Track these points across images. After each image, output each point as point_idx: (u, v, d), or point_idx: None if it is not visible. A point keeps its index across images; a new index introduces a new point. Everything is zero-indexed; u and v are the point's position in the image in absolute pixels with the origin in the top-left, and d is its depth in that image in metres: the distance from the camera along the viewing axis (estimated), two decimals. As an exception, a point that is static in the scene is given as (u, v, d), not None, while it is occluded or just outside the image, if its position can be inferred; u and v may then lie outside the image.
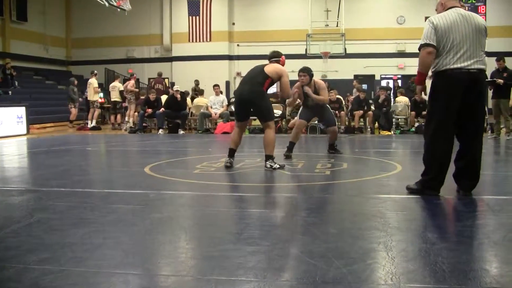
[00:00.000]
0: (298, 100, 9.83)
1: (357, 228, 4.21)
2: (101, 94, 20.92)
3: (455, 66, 5.16)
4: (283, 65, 8.15)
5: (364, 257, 3.36)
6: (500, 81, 12.70)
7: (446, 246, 3.57)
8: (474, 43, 5.21)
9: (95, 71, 20.18)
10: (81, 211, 4.88)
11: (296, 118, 9.96)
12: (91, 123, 19.33)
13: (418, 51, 5.31)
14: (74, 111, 19.79)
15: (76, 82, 20.13)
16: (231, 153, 8.09)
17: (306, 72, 9.21)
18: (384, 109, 16.59)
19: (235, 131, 8.23)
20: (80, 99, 19.95)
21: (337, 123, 9.98)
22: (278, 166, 7.66)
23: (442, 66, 5.22)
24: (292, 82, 8.44)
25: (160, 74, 22.82)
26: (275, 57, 8.25)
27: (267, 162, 7.73)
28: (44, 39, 27.29)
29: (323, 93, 9.27)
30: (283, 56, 8.27)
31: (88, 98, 19.54)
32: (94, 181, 7.25)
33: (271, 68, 7.92)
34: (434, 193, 5.34)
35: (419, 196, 5.35)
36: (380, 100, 16.75)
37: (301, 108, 9.85)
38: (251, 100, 7.84)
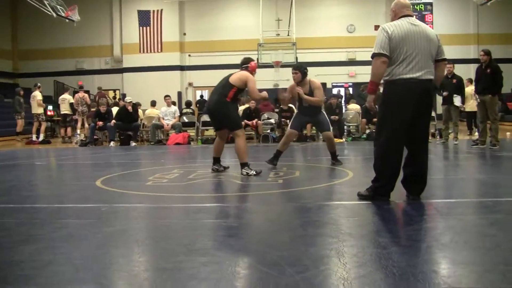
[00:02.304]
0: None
1: (309, 236, 4.24)
2: (50, 107, 20.59)
3: (408, 76, 5.25)
4: (252, 70, 8.37)
5: (316, 263, 3.39)
6: (445, 93, 13.09)
7: (396, 250, 3.63)
8: (426, 53, 5.32)
9: (39, 84, 19.83)
10: (30, 227, 4.78)
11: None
12: (35, 137, 18.97)
13: (368, 59, 5.35)
14: (20, 122, 19.45)
15: (22, 92, 19.77)
16: (215, 160, 8.49)
17: (297, 69, 9.02)
18: (336, 116, 16.76)
19: (216, 140, 8.62)
20: (23, 113, 19.56)
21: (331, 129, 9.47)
22: (254, 172, 7.89)
23: (396, 75, 5.30)
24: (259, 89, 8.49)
25: (100, 88, 22.62)
26: (244, 63, 8.46)
27: (242, 170, 7.97)
28: (-11, 52, 26.79)
29: (318, 93, 8.95)
30: (253, 62, 8.48)
31: (33, 112, 19.13)
32: (44, 196, 7.12)
33: (235, 77, 8.15)
34: (385, 199, 5.43)
35: (370, 202, 5.42)
36: (334, 106, 16.89)
37: (294, 115, 9.74)
38: (216, 111, 8.18)
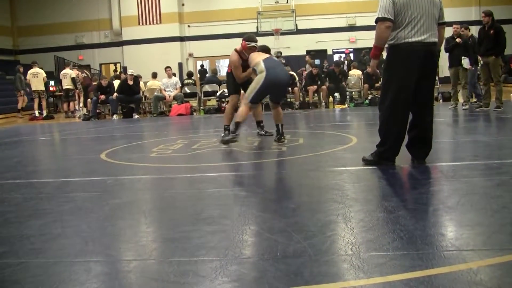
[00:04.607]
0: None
1: (316, 202, 4.26)
2: (52, 82, 20.52)
3: (413, 39, 5.22)
4: (243, 48, 8.42)
5: (323, 229, 3.40)
6: (459, 40, 12.60)
7: (403, 214, 3.64)
8: (430, 16, 5.28)
9: (37, 61, 19.75)
10: (37, 202, 4.81)
11: None
12: (38, 113, 18.89)
13: (369, 24, 5.32)
14: (21, 99, 19.44)
15: (22, 69, 19.69)
16: (257, 124, 8.97)
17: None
18: (342, 83, 16.76)
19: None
20: (27, 89, 19.52)
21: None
22: (227, 138, 7.79)
23: (400, 39, 5.26)
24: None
25: (81, 66, 22.69)
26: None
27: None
28: (-11, 29, 26.63)
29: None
30: (244, 41, 8.46)
31: (36, 88, 19.00)
32: (49, 171, 7.13)
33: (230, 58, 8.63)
34: (390, 163, 5.43)
35: (375, 167, 5.43)
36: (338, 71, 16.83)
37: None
38: None
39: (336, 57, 26.14)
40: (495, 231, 3.20)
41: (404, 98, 5.32)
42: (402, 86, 5.30)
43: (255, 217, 3.87)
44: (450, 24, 13.09)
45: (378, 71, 5.73)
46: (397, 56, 5.33)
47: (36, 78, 18.96)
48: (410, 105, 5.39)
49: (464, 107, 12.76)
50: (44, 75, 19.20)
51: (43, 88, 19.06)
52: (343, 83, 16.98)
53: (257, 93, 7.68)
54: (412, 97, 5.35)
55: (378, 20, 5.26)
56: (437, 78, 14.05)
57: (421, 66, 5.27)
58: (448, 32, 13.43)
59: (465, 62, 12.59)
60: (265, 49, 8.35)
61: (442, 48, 12.84)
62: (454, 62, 12.89)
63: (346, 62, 22.70)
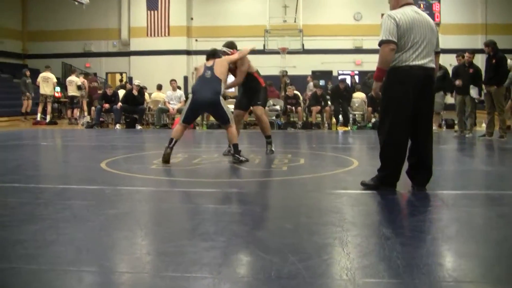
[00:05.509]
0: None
1: (313, 224, 4.22)
2: (58, 88, 20.61)
3: (414, 63, 5.22)
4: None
5: (319, 252, 3.37)
6: (458, 82, 12.60)
7: (400, 241, 3.60)
8: (430, 42, 5.31)
9: (50, 66, 19.90)
10: (34, 207, 4.78)
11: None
12: (40, 116, 18.95)
13: (375, 48, 5.30)
14: (26, 103, 19.54)
15: (28, 73, 19.81)
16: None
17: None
18: (345, 104, 16.73)
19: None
20: (28, 93, 19.61)
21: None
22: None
23: (401, 62, 5.26)
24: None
25: (94, 74, 22.74)
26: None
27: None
28: (-1, 32, 26.72)
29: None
30: None
31: (45, 93, 19.07)
32: (48, 177, 7.12)
33: None
34: (390, 189, 5.40)
35: (374, 191, 5.39)
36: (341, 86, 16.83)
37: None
38: None
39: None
40: (494, 264, 3.16)
41: (403, 122, 5.31)
42: (401, 109, 5.28)
43: (251, 235, 3.83)
44: (453, 51, 13.19)
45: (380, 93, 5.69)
46: (397, 79, 5.31)
47: (46, 82, 19.12)
48: (409, 130, 5.37)
49: (467, 135, 12.69)
50: (55, 80, 19.48)
51: (51, 93, 19.19)
52: (346, 104, 16.89)
53: (187, 113, 7.88)
54: (412, 122, 5.33)
55: (382, 43, 5.25)
56: (443, 104, 14.07)
57: (421, 90, 5.27)
58: (448, 59, 13.44)
59: (473, 91, 12.49)
60: (210, 54, 8.48)
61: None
62: (461, 90, 12.82)
63: (350, 84, 22.73)
